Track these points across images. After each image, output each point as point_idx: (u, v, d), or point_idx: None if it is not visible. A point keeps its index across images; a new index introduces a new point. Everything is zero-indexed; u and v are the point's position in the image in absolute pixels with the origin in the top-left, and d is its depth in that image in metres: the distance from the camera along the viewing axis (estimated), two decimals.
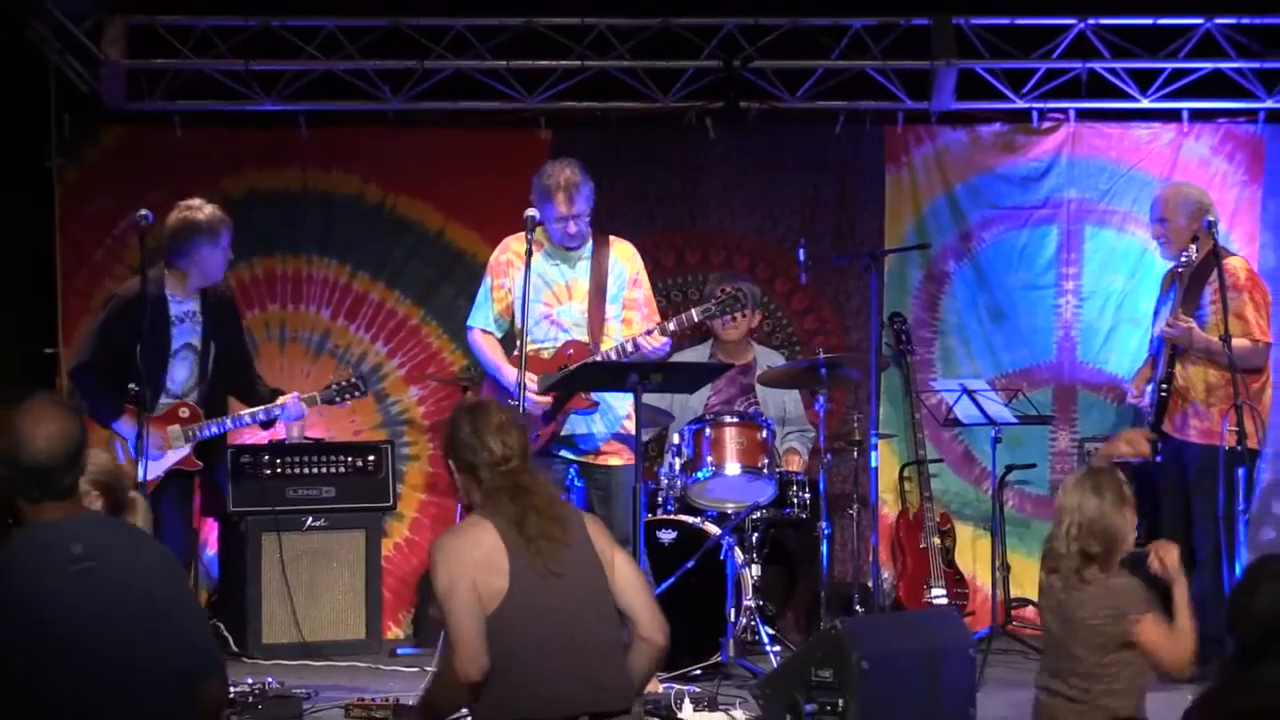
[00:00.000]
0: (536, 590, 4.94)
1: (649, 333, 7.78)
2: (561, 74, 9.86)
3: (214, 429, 7.93)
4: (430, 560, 5.03)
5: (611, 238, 8.12)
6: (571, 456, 7.92)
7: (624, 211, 10.02)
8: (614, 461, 7.89)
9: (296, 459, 9.15)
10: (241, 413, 8.03)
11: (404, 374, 10.07)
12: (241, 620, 8.98)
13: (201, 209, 7.93)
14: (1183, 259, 8.28)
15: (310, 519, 9.05)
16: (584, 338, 7.85)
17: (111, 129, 9.94)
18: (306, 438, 9.40)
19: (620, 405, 7.87)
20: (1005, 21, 9.82)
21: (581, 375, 7.62)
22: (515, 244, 7.92)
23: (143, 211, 7.65)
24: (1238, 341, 7.99)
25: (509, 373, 7.77)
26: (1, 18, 9.28)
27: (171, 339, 7.90)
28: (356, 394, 8.23)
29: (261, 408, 8.00)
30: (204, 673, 4.59)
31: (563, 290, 7.90)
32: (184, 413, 7.89)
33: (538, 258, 7.81)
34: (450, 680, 4.95)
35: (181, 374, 7.93)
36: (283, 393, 8.09)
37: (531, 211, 7.69)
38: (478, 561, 4.93)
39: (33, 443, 4.42)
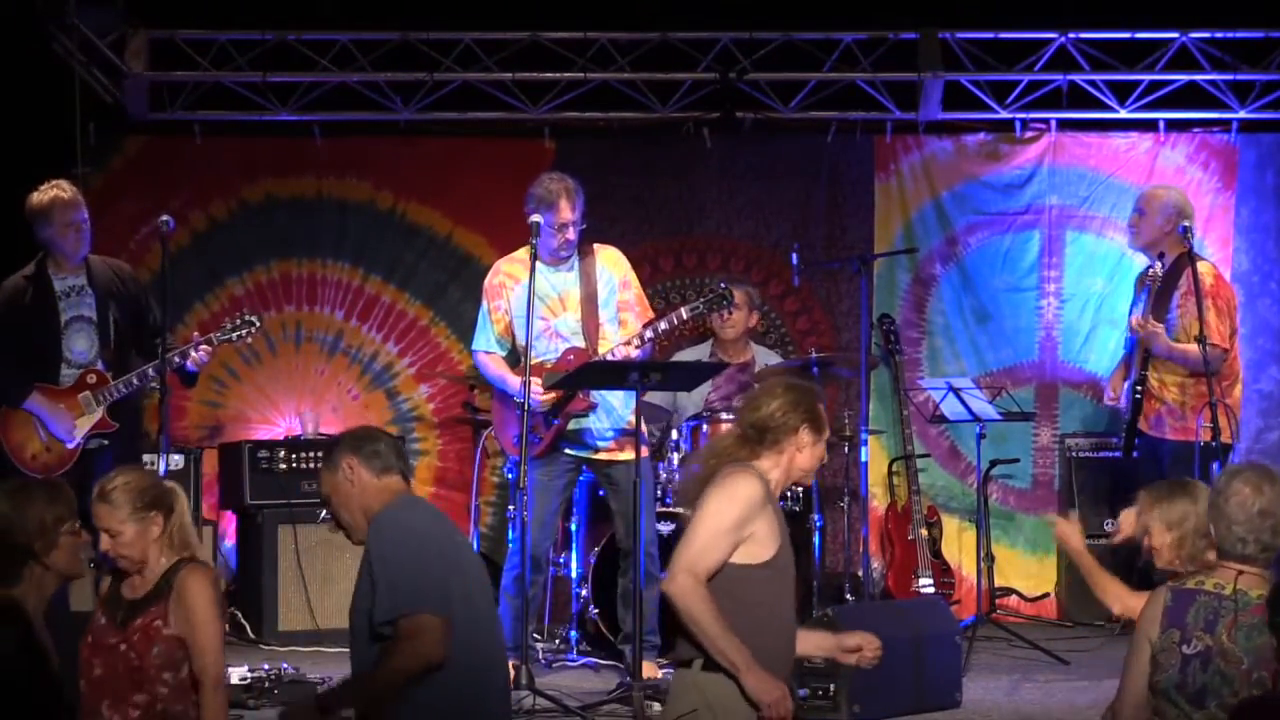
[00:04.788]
0: None
1: (627, 343, 7.79)
2: (565, 85, 9.97)
3: (122, 389, 7.80)
4: None
5: (595, 245, 8.10)
6: (579, 454, 7.93)
7: (624, 217, 10.14)
8: (623, 457, 7.88)
9: (311, 454, 9.18)
10: (145, 368, 7.82)
11: (414, 372, 10.17)
12: (258, 609, 9.09)
13: (45, 192, 7.88)
14: (1153, 265, 8.34)
15: (324, 512, 9.05)
16: (582, 344, 7.87)
17: (134, 138, 10.06)
18: (321, 433, 9.47)
19: (623, 405, 7.92)
20: (989, 35, 9.95)
21: (584, 374, 7.68)
22: (506, 265, 8.02)
23: (164, 217, 7.75)
24: (1197, 347, 7.98)
25: (513, 381, 7.79)
26: (30, 33, 9.34)
27: (60, 312, 7.87)
28: (252, 328, 7.95)
29: (165, 358, 7.74)
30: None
31: (556, 303, 7.91)
32: (91, 379, 7.82)
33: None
34: None
35: (80, 344, 7.88)
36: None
37: (536, 218, 7.72)
38: None
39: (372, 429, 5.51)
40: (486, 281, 8.11)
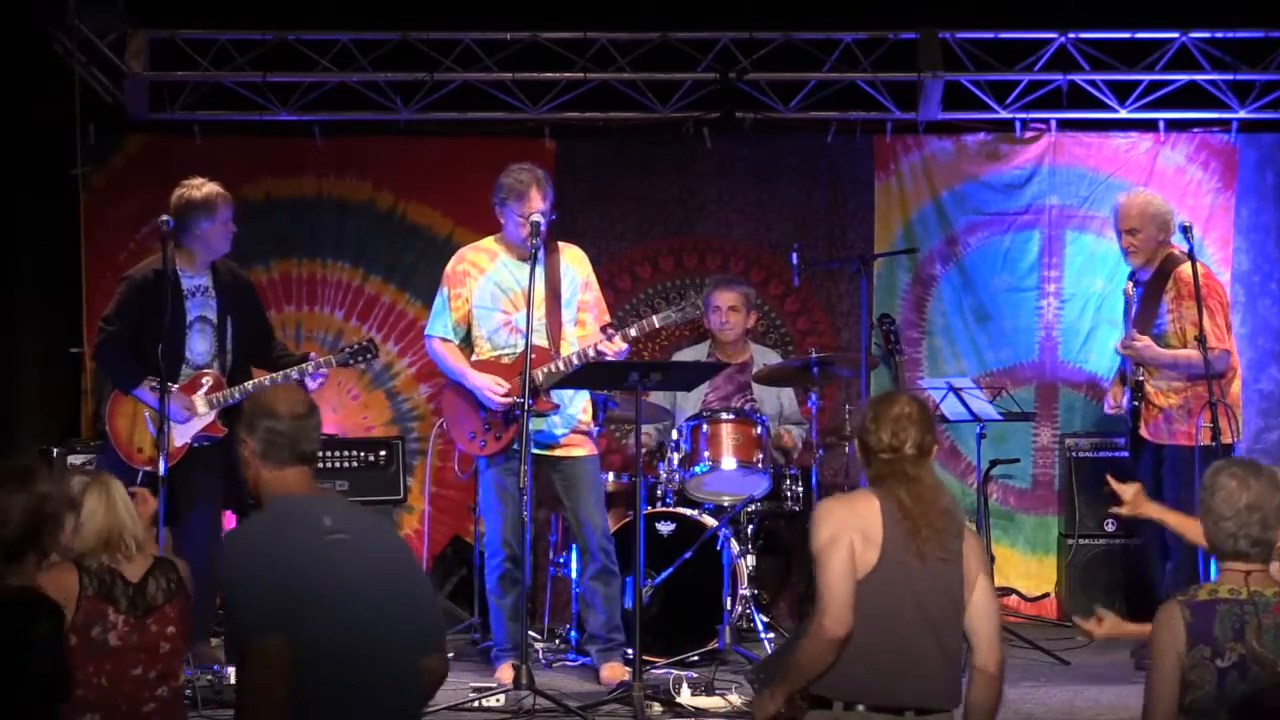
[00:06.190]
0: (906, 569, 4.91)
1: (610, 339, 7.69)
2: (565, 85, 9.98)
3: (237, 396, 7.92)
4: (813, 518, 5.02)
5: (560, 243, 8.04)
6: (533, 451, 7.70)
7: (624, 217, 10.19)
8: (577, 453, 7.90)
9: None
10: (262, 379, 8.03)
11: (414, 372, 10.19)
12: None
13: (200, 187, 7.97)
14: (1142, 275, 8.34)
15: None
16: (543, 342, 7.73)
17: (135, 138, 10.09)
18: (321, 434, 9.51)
19: (575, 403, 7.91)
20: (989, 35, 9.96)
21: (584, 374, 7.67)
22: (470, 254, 7.99)
23: (164, 217, 7.75)
24: (1195, 351, 7.99)
25: (473, 377, 7.79)
26: (30, 32, 9.37)
27: (185, 312, 7.93)
28: (370, 355, 8.23)
29: (280, 372, 7.99)
30: (429, 646, 4.83)
31: (519, 297, 7.78)
32: (206, 381, 7.94)
33: (494, 266, 7.89)
34: (817, 640, 4.88)
35: (200, 345, 7.98)
36: (306, 358, 8.12)
37: (537, 217, 7.66)
38: (858, 527, 4.91)
39: (278, 408, 4.81)
40: (449, 268, 8.06)
